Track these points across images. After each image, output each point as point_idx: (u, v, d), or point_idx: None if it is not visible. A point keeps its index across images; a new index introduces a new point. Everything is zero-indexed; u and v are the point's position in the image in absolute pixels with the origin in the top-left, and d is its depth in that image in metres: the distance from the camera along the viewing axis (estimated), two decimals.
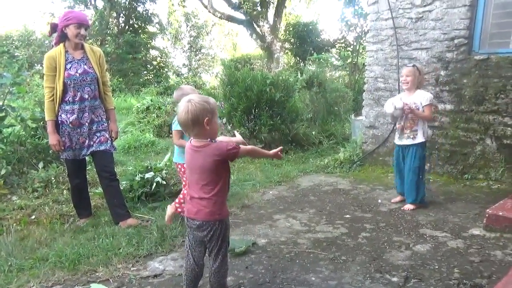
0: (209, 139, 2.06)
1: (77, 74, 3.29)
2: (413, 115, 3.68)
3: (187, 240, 2.19)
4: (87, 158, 3.64)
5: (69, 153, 3.41)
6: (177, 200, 3.38)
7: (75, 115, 3.31)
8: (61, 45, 3.31)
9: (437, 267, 2.62)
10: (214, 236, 2.08)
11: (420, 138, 3.73)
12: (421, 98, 3.68)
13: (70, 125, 3.32)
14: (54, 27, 3.35)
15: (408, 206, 3.76)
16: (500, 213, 3.16)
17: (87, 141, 3.40)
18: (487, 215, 3.20)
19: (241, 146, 2.10)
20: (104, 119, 3.50)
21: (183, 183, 3.38)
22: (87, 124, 3.37)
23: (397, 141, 3.89)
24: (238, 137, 2.44)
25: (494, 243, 2.95)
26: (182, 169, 3.35)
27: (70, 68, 3.28)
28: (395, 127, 5.00)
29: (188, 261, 2.19)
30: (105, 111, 3.54)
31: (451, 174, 4.73)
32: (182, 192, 3.40)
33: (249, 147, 2.22)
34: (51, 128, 3.32)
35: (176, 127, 3.27)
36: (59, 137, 3.34)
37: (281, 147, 2.37)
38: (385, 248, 2.94)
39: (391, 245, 2.98)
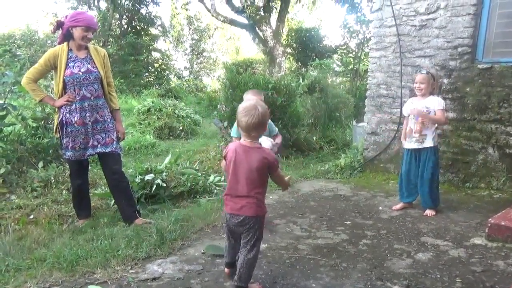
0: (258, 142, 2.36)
1: (80, 73, 3.28)
2: (425, 119, 3.65)
3: (227, 231, 2.43)
4: (89, 158, 3.61)
5: (73, 154, 3.38)
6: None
7: (78, 114, 3.30)
8: (65, 43, 3.30)
9: (438, 276, 2.59)
10: (253, 229, 2.27)
11: (428, 143, 3.71)
12: (434, 103, 3.65)
13: (75, 124, 3.31)
14: (59, 25, 3.34)
15: (430, 212, 3.77)
16: (502, 223, 3.13)
17: (91, 141, 3.38)
18: (489, 225, 3.18)
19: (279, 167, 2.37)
20: (109, 120, 3.47)
21: None
22: (90, 123, 3.36)
23: (406, 144, 3.87)
24: (278, 140, 3.05)
25: (496, 253, 2.92)
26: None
27: (73, 66, 3.27)
28: (397, 134, 5.05)
29: (229, 242, 2.44)
30: (110, 111, 3.52)
31: (452, 182, 4.71)
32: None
33: (281, 173, 2.45)
34: (51, 100, 3.36)
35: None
36: (63, 98, 3.29)
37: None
38: (386, 255, 2.91)
39: (392, 253, 2.95)
